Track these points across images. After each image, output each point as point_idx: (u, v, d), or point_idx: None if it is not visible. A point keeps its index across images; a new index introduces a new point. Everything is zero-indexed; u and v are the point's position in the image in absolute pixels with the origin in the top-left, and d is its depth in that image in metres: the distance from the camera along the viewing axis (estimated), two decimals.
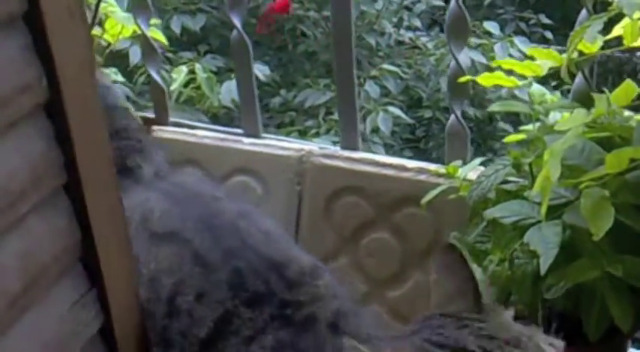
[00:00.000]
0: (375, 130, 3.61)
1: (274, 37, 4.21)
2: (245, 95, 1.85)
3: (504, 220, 1.36)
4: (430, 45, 4.10)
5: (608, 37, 1.42)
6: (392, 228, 1.70)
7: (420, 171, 1.67)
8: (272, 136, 1.86)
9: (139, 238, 1.29)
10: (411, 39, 4.15)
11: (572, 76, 1.55)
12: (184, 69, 3.42)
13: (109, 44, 1.92)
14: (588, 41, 1.32)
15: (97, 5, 1.73)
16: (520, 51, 3.39)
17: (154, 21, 1.96)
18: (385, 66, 3.83)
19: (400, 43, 4.16)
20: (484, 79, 1.49)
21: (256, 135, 1.85)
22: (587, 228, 1.23)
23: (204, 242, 1.29)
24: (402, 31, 4.16)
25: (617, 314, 1.24)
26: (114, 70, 1.86)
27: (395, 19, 4.17)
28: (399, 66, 3.94)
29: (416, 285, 1.68)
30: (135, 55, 3.78)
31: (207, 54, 4.00)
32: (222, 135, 1.86)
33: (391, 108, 3.59)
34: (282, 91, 4.02)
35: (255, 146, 1.81)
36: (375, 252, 1.72)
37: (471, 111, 3.73)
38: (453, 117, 1.67)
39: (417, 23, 4.22)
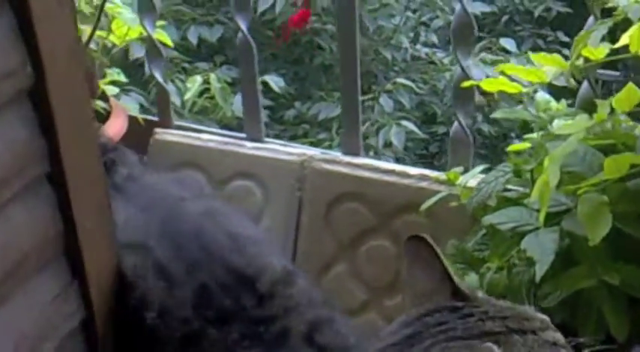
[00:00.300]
0: (388, 144, 3.59)
1: (292, 49, 4.22)
2: (249, 99, 1.84)
3: (502, 226, 1.34)
4: (446, 61, 4.08)
5: (616, 46, 1.40)
6: (392, 236, 1.68)
7: (422, 178, 1.65)
8: (274, 141, 1.85)
9: None
10: (427, 54, 4.14)
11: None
12: (199, 78, 3.43)
13: (114, 45, 1.91)
14: (592, 46, 1.29)
15: (102, 5, 1.72)
16: None
17: (160, 23, 1.95)
18: (400, 80, 3.82)
19: (416, 58, 4.15)
20: (487, 84, 1.47)
21: (259, 140, 1.83)
22: (585, 235, 1.21)
23: (165, 252, 1.21)
24: (418, 46, 4.15)
25: (613, 324, 1.21)
26: (117, 70, 1.85)
27: (412, 35, 4.16)
28: (414, 81, 3.93)
29: None
30: None
31: (223, 65, 4.01)
32: (225, 139, 1.84)
33: (404, 123, 3.57)
34: (297, 104, 4.02)
35: (258, 150, 1.80)
36: (375, 260, 1.70)
37: (486, 128, 3.71)
38: (456, 123, 1.65)
39: (434, 39, 4.20)
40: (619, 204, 1.24)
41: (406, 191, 1.65)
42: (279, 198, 1.75)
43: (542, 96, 1.57)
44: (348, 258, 1.71)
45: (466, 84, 1.51)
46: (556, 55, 1.43)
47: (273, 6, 3.80)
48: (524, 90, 1.47)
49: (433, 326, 0.92)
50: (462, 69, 1.58)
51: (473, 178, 1.53)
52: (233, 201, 1.78)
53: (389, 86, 3.81)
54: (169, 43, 1.96)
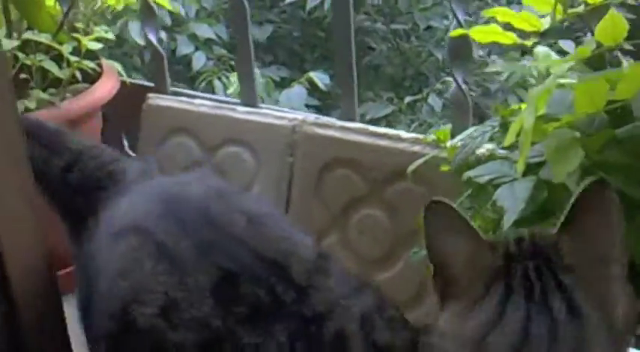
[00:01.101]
0: None
1: None
2: (242, 64, 1.75)
3: (479, 179, 1.21)
4: (499, 62, 3.93)
5: None
6: (384, 204, 1.56)
7: (415, 141, 1.54)
8: (269, 106, 1.76)
9: (102, 245, 1.02)
10: (480, 56, 4.00)
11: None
12: None
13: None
14: None
15: None
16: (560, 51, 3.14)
17: None
18: (450, 79, 3.70)
19: None
20: (478, 34, 1.34)
21: (253, 105, 1.74)
22: (563, 184, 1.08)
23: (168, 233, 0.97)
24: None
25: None
26: (105, 28, 1.77)
27: None
28: (466, 83, 3.80)
29: (407, 267, 1.54)
30: (198, 61, 3.79)
31: (273, 64, 3.97)
32: (217, 104, 1.76)
33: None
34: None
35: (249, 114, 1.71)
36: (367, 231, 1.58)
37: None
38: (454, 85, 1.53)
39: None
40: (607, 154, 1.11)
41: (399, 156, 1.53)
42: (271, 165, 1.66)
43: (541, 49, 1.45)
44: (340, 228, 1.60)
45: (456, 32, 1.39)
46: None
47: (322, 3, 3.72)
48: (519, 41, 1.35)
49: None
50: (458, 22, 1.46)
51: None
52: (224, 167, 1.70)
53: (438, 85, 3.70)
54: (168, 5, 1.88)
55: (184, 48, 3.83)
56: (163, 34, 3.73)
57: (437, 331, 0.87)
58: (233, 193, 1.10)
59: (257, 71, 3.59)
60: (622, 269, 0.85)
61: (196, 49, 3.79)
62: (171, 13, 3.63)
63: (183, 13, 3.69)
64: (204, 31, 3.73)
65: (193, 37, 3.82)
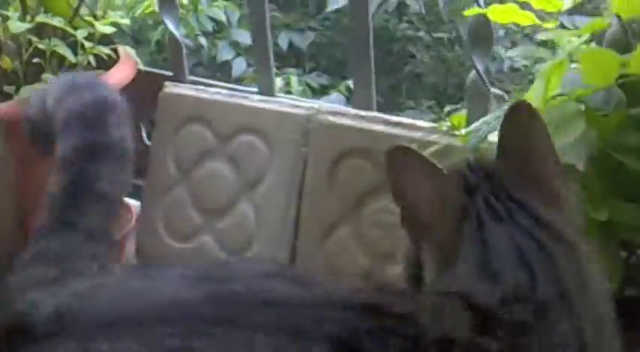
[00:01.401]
0: None
1: (384, 59, 4.10)
2: (260, 52, 1.70)
3: None
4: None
5: None
6: None
7: (432, 130, 1.48)
8: (284, 95, 1.71)
9: None
10: (525, 66, 3.92)
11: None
12: (279, 81, 3.36)
13: None
14: None
15: None
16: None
17: None
18: (493, 89, 3.62)
19: (515, 69, 3.94)
20: (495, 13, 1.29)
21: (271, 95, 1.70)
22: (572, 165, 1.02)
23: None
24: (516, 58, 3.94)
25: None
26: (120, 13, 1.74)
27: (509, 45, 3.97)
28: (507, 92, 3.72)
29: None
30: (238, 67, 3.78)
31: (313, 71, 3.95)
32: (232, 92, 1.72)
33: None
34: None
35: (264, 103, 1.66)
36: (380, 221, 1.52)
37: None
38: (473, 72, 1.47)
39: None
40: (621, 135, 1.05)
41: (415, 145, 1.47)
42: (285, 154, 1.61)
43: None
44: (353, 219, 1.54)
45: (473, 11, 1.33)
46: None
47: None
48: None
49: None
50: (478, 4, 1.40)
51: None
52: (237, 156, 1.66)
53: None
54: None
55: (225, 54, 3.83)
56: (204, 40, 3.73)
57: (438, 287, 0.84)
58: (229, 268, 0.89)
59: (294, 78, 3.58)
60: (560, 170, 0.89)
61: (237, 55, 3.79)
62: (213, 19, 3.64)
63: (224, 19, 3.68)
64: (246, 37, 3.71)
65: (235, 44, 3.82)
